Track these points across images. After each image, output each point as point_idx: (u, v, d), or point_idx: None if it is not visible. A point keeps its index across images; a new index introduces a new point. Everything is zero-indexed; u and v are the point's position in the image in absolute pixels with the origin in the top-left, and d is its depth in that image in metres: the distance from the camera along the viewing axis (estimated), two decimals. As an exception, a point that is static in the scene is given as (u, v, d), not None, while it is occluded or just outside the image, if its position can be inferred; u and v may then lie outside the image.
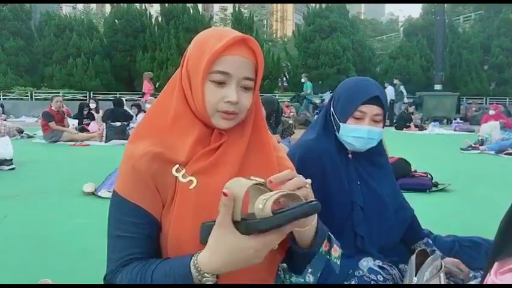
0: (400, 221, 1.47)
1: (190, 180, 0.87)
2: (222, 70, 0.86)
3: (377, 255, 1.33)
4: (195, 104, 0.90)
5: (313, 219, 0.85)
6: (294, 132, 5.09)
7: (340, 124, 1.35)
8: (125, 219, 0.88)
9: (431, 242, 1.53)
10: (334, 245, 0.91)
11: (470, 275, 1.42)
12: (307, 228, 0.85)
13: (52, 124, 7.52)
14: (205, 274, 0.75)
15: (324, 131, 1.43)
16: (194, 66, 0.89)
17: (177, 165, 0.89)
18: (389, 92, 13.27)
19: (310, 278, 0.88)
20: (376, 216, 1.39)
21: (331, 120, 1.41)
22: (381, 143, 1.46)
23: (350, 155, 1.41)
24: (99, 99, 12.61)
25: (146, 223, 0.88)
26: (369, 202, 1.38)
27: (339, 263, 0.91)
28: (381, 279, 1.22)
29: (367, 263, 1.26)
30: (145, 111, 9.90)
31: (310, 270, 0.88)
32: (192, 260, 0.77)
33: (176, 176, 0.88)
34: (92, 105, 9.59)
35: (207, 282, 0.75)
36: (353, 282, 1.20)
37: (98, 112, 9.41)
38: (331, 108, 1.42)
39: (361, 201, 1.37)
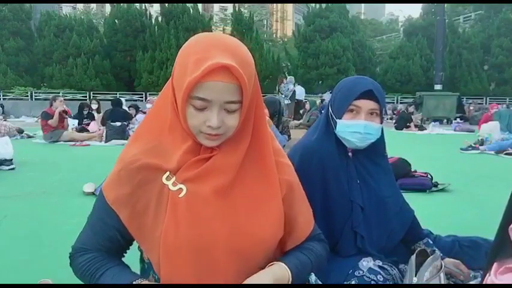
0: (402, 223, 1.47)
1: (180, 188, 0.88)
2: (201, 97, 0.82)
3: (377, 256, 1.33)
4: (181, 123, 0.88)
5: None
6: (290, 133, 5.08)
7: (337, 121, 1.35)
8: (98, 214, 0.95)
9: (431, 242, 1.53)
10: None
11: (471, 275, 1.43)
12: None
13: (51, 121, 7.49)
14: None
15: (325, 131, 1.43)
16: (177, 85, 0.86)
17: (168, 173, 0.89)
18: (300, 92, 13.02)
19: None
20: (375, 216, 1.38)
21: (330, 120, 1.42)
22: (383, 143, 1.46)
23: (350, 154, 1.41)
24: (99, 100, 12.61)
25: (112, 225, 0.93)
26: (368, 202, 1.38)
27: None
28: (381, 279, 1.22)
29: (367, 263, 1.26)
30: (144, 112, 9.92)
31: None
32: (137, 281, 0.88)
33: (166, 184, 0.88)
34: (94, 106, 9.58)
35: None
36: (353, 282, 1.20)
37: (99, 112, 9.41)
38: (330, 107, 1.42)
39: (361, 201, 1.37)
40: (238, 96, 0.84)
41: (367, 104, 1.32)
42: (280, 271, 0.90)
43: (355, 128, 1.32)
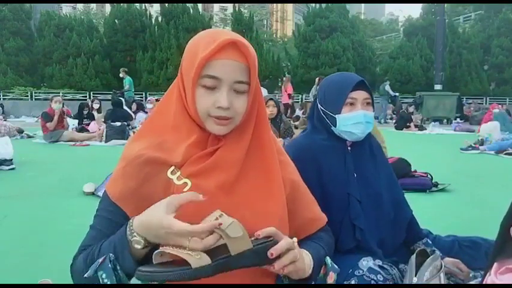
0: (399, 220, 1.48)
1: (185, 182, 0.87)
2: (211, 75, 0.84)
3: (377, 255, 1.33)
4: (190, 110, 0.89)
5: (306, 268, 0.88)
6: (294, 133, 5.10)
7: (336, 117, 1.38)
8: (102, 214, 0.93)
9: (430, 242, 1.53)
10: (330, 272, 0.91)
11: (470, 275, 1.43)
12: (303, 270, 0.86)
13: (49, 124, 7.50)
14: (134, 233, 0.79)
15: (314, 128, 1.47)
16: (186, 70, 0.88)
17: (173, 167, 0.89)
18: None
19: None
20: (373, 209, 1.40)
21: (321, 117, 1.44)
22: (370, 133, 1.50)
23: (349, 147, 1.44)
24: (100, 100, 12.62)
25: (116, 222, 0.90)
26: (366, 195, 1.40)
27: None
28: (381, 279, 1.22)
29: (367, 262, 1.26)
30: (145, 111, 9.93)
31: None
32: (129, 221, 0.82)
33: (171, 179, 0.88)
34: (96, 106, 9.59)
35: (135, 245, 0.79)
36: (353, 282, 1.20)
37: (100, 112, 9.41)
38: (320, 106, 1.44)
39: (358, 194, 1.39)
40: (246, 77, 0.87)
41: (361, 95, 1.37)
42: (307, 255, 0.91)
43: (356, 119, 1.36)
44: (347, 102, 1.36)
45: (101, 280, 0.79)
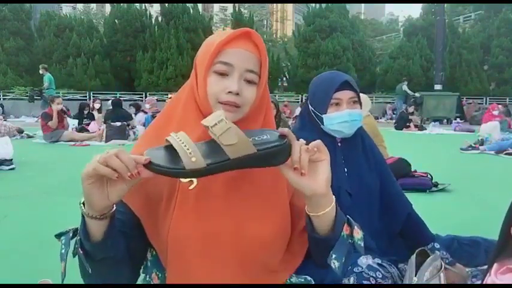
0: (393, 213, 1.50)
1: (191, 180, 0.87)
2: (224, 61, 0.87)
3: (376, 253, 1.33)
4: (199, 97, 0.90)
5: (329, 202, 0.85)
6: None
7: (323, 116, 1.43)
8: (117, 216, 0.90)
9: (438, 245, 1.52)
10: (355, 227, 0.89)
11: (469, 270, 1.43)
12: (325, 212, 0.84)
13: (51, 123, 7.51)
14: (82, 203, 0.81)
15: (304, 125, 1.52)
16: (200, 60, 0.91)
17: None
18: None
19: (335, 264, 0.84)
20: (365, 202, 1.43)
21: (311, 116, 1.49)
22: (363, 130, 1.54)
23: (339, 143, 1.48)
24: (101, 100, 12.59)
25: (127, 220, 0.89)
26: (358, 190, 1.43)
27: (362, 244, 0.88)
28: (380, 276, 1.22)
29: (366, 260, 1.26)
30: (144, 111, 9.92)
31: (334, 256, 0.85)
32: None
33: None
34: (97, 106, 9.58)
35: (83, 214, 0.81)
36: (352, 279, 1.20)
37: (100, 112, 9.41)
38: (309, 105, 1.50)
39: (348, 187, 1.41)
40: (257, 68, 0.91)
41: (346, 94, 1.42)
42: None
43: (341, 119, 1.41)
44: (332, 102, 1.42)
45: (60, 245, 0.84)
